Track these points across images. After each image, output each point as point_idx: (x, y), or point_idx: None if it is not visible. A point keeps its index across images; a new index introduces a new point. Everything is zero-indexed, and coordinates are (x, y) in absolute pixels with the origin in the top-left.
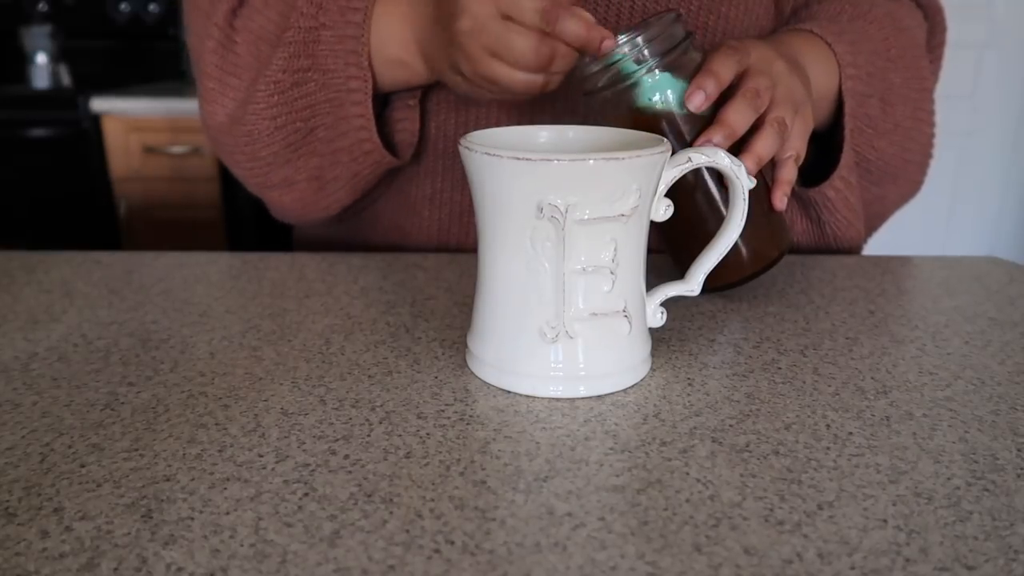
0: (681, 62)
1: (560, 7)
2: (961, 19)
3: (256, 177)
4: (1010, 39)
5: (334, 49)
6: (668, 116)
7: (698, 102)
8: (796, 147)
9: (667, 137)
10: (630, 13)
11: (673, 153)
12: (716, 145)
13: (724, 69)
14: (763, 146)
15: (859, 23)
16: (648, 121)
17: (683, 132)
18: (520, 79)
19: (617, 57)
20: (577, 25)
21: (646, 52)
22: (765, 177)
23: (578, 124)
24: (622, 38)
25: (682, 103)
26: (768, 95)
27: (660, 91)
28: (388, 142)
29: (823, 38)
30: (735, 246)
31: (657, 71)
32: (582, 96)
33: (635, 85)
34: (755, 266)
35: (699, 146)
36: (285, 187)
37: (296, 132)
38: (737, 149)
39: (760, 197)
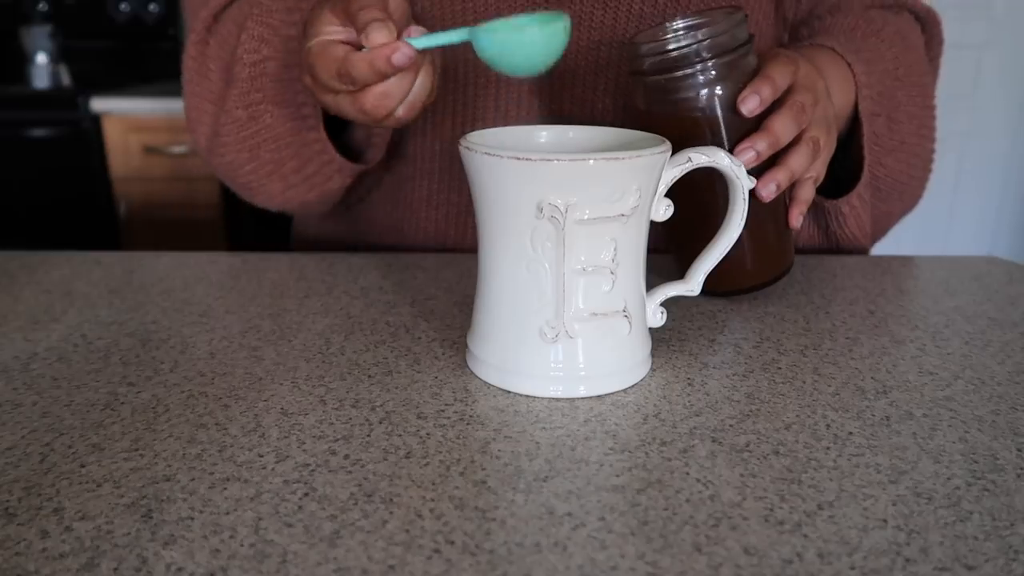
0: (738, 64)
1: (347, 61)
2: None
3: (246, 193)
4: (1010, 39)
5: (281, 79)
6: (713, 115)
7: (752, 106)
8: (818, 169)
9: (706, 136)
10: (627, 16)
11: (674, 154)
12: (759, 152)
13: (781, 78)
14: (797, 162)
15: (872, 40)
16: (691, 118)
17: (724, 134)
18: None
19: (675, 45)
20: (361, 63)
21: (707, 46)
22: (784, 194)
23: (579, 125)
24: (680, 23)
25: (732, 104)
26: (811, 112)
27: (711, 89)
28: (361, 145)
29: (843, 57)
30: (743, 255)
31: (713, 69)
32: (629, 76)
33: (687, 77)
34: (760, 278)
35: (741, 151)
36: (272, 196)
37: (268, 163)
38: (771, 162)
39: (778, 213)
